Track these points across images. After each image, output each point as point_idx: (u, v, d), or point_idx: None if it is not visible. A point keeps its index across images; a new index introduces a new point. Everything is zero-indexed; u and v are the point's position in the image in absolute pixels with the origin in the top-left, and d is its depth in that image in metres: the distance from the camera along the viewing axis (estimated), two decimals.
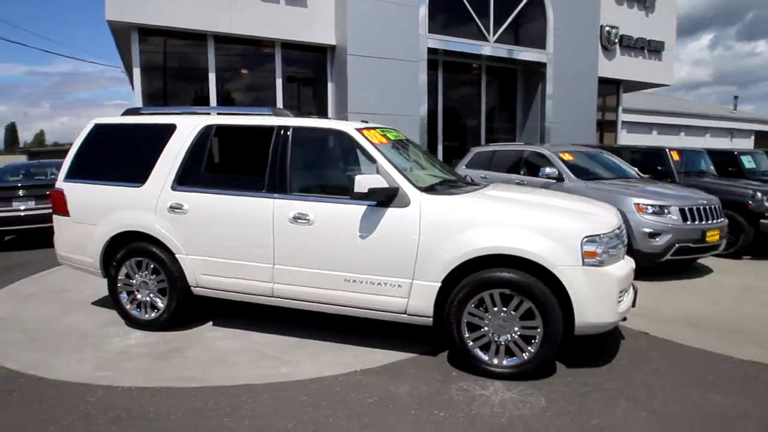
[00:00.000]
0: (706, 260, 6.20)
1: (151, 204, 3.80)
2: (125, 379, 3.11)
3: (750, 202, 6.69)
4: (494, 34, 10.33)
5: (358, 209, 3.31)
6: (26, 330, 3.99)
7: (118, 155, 4.11)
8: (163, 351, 3.56)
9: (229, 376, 3.17)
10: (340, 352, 3.53)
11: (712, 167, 8.45)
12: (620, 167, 7.07)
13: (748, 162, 8.99)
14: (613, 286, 3.03)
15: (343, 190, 3.41)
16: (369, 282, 3.33)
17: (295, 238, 3.45)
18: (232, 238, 3.61)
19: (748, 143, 29.69)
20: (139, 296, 3.96)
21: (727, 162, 8.98)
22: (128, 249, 3.90)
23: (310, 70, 9.86)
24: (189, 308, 3.93)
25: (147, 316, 3.94)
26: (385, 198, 3.22)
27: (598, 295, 3.00)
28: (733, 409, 2.78)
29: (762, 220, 6.65)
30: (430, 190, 3.36)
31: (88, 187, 4.06)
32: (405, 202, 3.23)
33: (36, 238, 7.74)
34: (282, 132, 3.63)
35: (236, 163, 4.18)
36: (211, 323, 4.08)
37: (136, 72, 8.21)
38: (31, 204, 7.33)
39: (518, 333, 3.10)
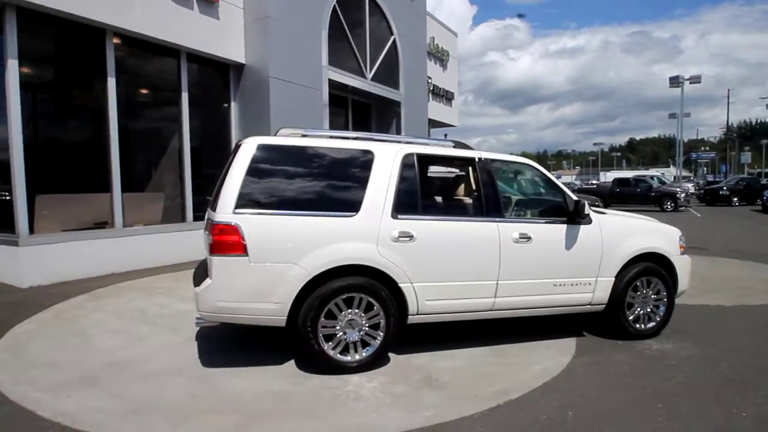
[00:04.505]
0: None
1: (372, 234, 3.58)
2: (463, 408, 3.07)
3: None
4: (370, 71, 11.56)
5: (562, 227, 4.14)
6: (218, 411, 3.04)
7: (303, 181, 3.59)
8: (420, 383, 3.46)
9: (521, 381, 3.48)
10: (535, 348, 4.18)
11: None
12: None
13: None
14: (689, 265, 4.81)
15: (540, 211, 4.17)
16: (570, 284, 4.18)
17: (517, 255, 3.97)
18: (460, 261, 3.82)
19: None
20: (345, 337, 3.59)
21: None
22: (337, 286, 3.51)
23: (213, 86, 8.90)
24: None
25: (358, 356, 3.61)
26: (584, 217, 4.17)
27: (685, 272, 4.72)
28: None
29: None
30: (593, 211, 4.47)
31: (275, 219, 3.43)
32: (589, 221, 4.25)
33: None
34: (483, 163, 4.07)
35: (440, 190, 4.22)
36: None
37: (12, 64, 5.91)
38: None
39: (654, 304, 4.54)
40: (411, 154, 3.88)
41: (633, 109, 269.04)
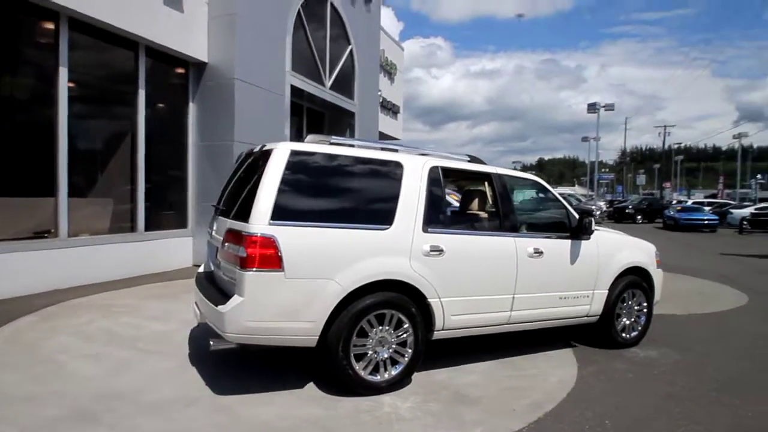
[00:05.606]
0: None
1: (405, 248, 3.50)
2: (508, 423, 3.08)
3: None
4: (329, 79, 11.40)
5: (567, 242, 4.34)
6: None
7: (337, 191, 3.42)
8: (452, 400, 3.43)
9: (547, 393, 3.57)
10: (539, 360, 4.33)
11: None
12: None
13: None
14: (662, 278, 5.24)
15: (546, 226, 4.35)
16: (572, 297, 4.38)
17: (530, 270, 4.08)
18: (483, 275, 3.86)
19: None
20: (376, 356, 3.45)
21: None
22: (371, 302, 3.37)
23: (171, 85, 8.24)
24: None
25: (387, 375, 3.49)
26: (590, 234, 4.40)
27: (659, 284, 5.15)
28: None
29: None
30: None
31: (312, 231, 3.23)
32: (589, 237, 4.50)
33: None
34: (500, 179, 4.16)
35: (462, 204, 4.17)
36: None
37: None
38: None
39: (637, 315, 4.88)
40: (436, 167, 3.86)
41: (542, 130, 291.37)
